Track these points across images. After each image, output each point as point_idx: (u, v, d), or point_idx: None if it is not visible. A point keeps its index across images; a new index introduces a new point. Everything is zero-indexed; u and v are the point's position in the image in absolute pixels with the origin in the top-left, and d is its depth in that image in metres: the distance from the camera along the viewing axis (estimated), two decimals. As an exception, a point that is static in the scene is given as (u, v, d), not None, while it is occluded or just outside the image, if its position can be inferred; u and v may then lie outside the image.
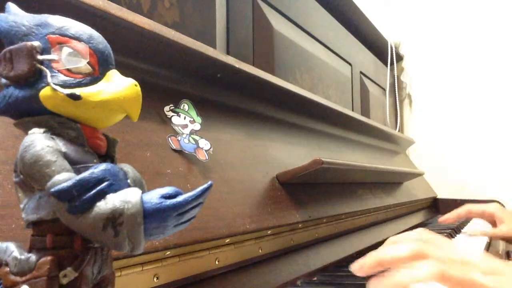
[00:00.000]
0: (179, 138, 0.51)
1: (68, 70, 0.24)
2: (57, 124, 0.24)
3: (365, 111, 1.48)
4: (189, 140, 0.52)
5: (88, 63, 0.25)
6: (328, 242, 0.77)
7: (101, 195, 0.22)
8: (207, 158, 0.53)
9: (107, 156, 0.27)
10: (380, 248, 0.50)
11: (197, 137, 0.54)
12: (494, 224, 1.06)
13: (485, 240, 1.01)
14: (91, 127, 0.26)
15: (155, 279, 0.42)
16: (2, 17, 0.25)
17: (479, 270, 0.45)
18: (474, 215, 1.14)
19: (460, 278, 0.44)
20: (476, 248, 0.93)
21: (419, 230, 0.51)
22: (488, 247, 0.98)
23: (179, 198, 0.23)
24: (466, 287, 0.43)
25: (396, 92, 1.84)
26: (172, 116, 0.53)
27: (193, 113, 0.56)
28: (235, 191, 0.55)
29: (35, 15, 0.25)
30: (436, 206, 1.73)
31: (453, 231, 1.16)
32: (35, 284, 0.22)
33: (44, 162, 0.22)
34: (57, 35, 0.24)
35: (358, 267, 0.50)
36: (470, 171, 1.75)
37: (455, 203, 1.62)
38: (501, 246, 1.05)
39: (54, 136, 0.24)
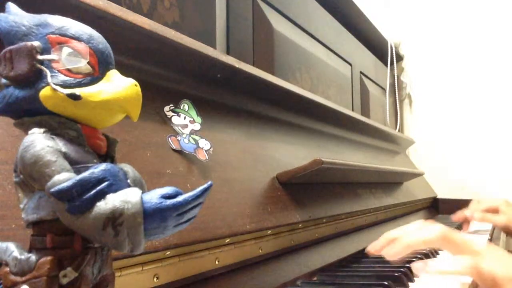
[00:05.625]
0: (179, 138, 0.51)
1: (68, 70, 0.24)
2: (57, 124, 0.24)
3: (365, 111, 1.48)
4: (189, 140, 0.52)
5: (88, 63, 0.25)
6: (328, 242, 0.77)
7: (101, 195, 0.22)
8: (207, 158, 0.53)
9: (107, 156, 0.27)
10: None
11: (197, 137, 0.54)
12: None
13: (486, 238, 1.01)
14: (91, 127, 0.26)
15: (155, 279, 0.42)
16: (2, 17, 0.25)
17: (477, 242, 0.51)
18: (481, 212, 1.14)
19: (459, 241, 0.50)
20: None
21: (419, 221, 0.57)
22: (490, 241, 0.99)
23: (179, 198, 0.23)
24: (463, 249, 0.49)
25: (396, 92, 1.84)
26: (172, 116, 0.53)
27: (193, 113, 0.56)
28: (235, 191, 0.55)
29: (35, 15, 0.25)
30: (436, 206, 1.73)
31: (455, 228, 1.16)
32: (35, 284, 0.22)
33: (44, 162, 0.22)
34: (57, 35, 0.24)
35: (372, 247, 0.55)
36: (470, 171, 1.75)
37: (455, 203, 1.62)
38: (501, 243, 1.05)
39: (54, 136, 0.24)
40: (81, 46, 0.25)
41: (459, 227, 1.19)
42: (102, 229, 0.22)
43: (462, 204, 1.38)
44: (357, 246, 0.84)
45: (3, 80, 0.24)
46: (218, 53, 0.61)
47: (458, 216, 1.16)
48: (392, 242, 0.54)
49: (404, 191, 1.29)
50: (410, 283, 0.60)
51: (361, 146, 1.23)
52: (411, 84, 1.93)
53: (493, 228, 1.01)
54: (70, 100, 0.24)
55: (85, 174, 0.22)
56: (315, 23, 1.12)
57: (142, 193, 0.23)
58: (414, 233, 0.52)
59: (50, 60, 0.24)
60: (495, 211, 1.08)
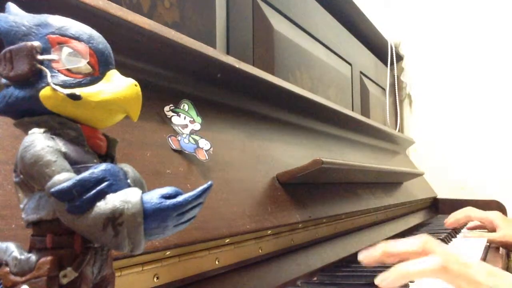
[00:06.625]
0: (179, 138, 0.51)
1: (68, 70, 0.24)
2: (57, 124, 0.24)
3: (365, 111, 1.48)
4: (189, 140, 0.52)
5: (88, 63, 0.25)
6: (328, 242, 0.77)
7: (101, 195, 0.22)
8: (207, 158, 0.53)
9: (107, 156, 0.27)
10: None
11: (197, 137, 0.54)
12: (493, 230, 1.07)
13: (485, 240, 1.01)
14: (91, 127, 0.26)
15: (155, 279, 0.42)
16: (2, 17, 0.25)
17: (478, 270, 0.47)
18: (474, 220, 1.15)
19: (460, 273, 0.47)
20: (476, 248, 0.93)
21: (421, 235, 0.53)
22: (488, 247, 0.98)
23: (179, 198, 0.23)
24: (464, 281, 0.46)
25: (396, 92, 1.84)
26: (172, 116, 0.53)
27: (193, 113, 0.56)
28: (235, 191, 0.55)
29: (35, 15, 0.25)
30: (436, 206, 1.73)
31: (452, 231, 1.17)
32: (35, 284, 0.22)
33: (44, 162, 0.22)
34: (57, 35, 0.24)
35: (365, 256, 0.52)
36: (470, 171, 1.75)
37: (455, 203, 1.63)
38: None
39: (54, 136, 0.24)
40: (81, 46, 0.25)
41: (456, 231, 1.20)
42: (102, 229, 0.22)
43: (462, 204, 1.39)
44: (357, 246, 0.84)
45: (3, 80, 0.24)
46: (218, 53, 0.61)
47: (451, 222, 1.17)
48: (387, 256, 0.52)
49: (404, 191, 1.29)
50: (410, 283, 0.60)
51: (361, 146, 1.23)
52: (411, 84, 1.93)
53: (488, 245, 1.01)
54: (70, 100, 0.24)
55: (85, 174, 0.22)
56: (315, 23, 1.12)
57: (142, 193, 0.23)
58: (412, 262, 0.48)
59: (50, 60, 0.24)
60: (489, 224, 1.09)
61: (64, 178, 0.22)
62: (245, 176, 0.59)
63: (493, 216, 1.08)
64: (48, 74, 0.24)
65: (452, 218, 1.17)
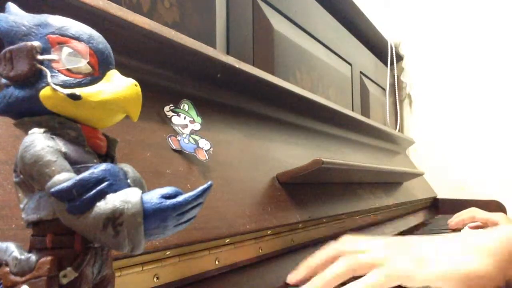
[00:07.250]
0: (179, 138, 0.51)
1: (68, 70, 0.24)
2: (57, 124, 0.24)
3: (365, 111, 1.48)
4: (189, 140, 0.52)
5: (88, 63, 0.25)
6: (328, 242, 0.77)
7: (101, 195, 0.22)
8: (207, 158, 0.53)
9: (107, 156, 0.27)
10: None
11: (197, 137, 0.54)
12: None
13: None
14: (91, 127, 0.26)
15: (155, 279, 0.42)
16: (2, 17, 0.25)
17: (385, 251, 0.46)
18: (478, 221, 1.15)
19: (366, 262, 0.45)
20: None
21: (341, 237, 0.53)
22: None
23: (179, 198, 0.23)
24: (369, 269, 0.44)
25: (396, 92, 1.84)
26: (172, 116, 0.53)
27: (193, 113, 0.56)
28: (235, 191, 0.55)
29: (35, 15, 0.25)
30: (436, 206, 1.73)
31: (453, 231, 1.17)
32: (35, 284, 0.22)
33: (44, 162, 0.22)
34: (57, 35, 0.24)
35: (292, 277, 0.50)
36: (470, 171, 1.75)
37: (455, 203, 1.62)
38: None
39: (54, 136, 0.24)
40: (81, 46, 0.25)
41: (456, 231, 1.20)
42: (102, 229, 0.22)
43: (462, 204, 1.39)
44: (357, 246, 0.83)
45: (3, 80, 0.24)
46: (218, 53, 0.61)
47: (455, 222, 1.17)
48: (309, 270, 0.49)
49: (404, 191, 1.29)
50: None
51: (361, 146, 1.23)
52: (411, 84, 1.93)
53: None
54: (70, 100, 0.24)
55: (85, 174, 0.22)
56: (315, 23, 1.12)
57: (142, 193, 0.23)
58: (325, 270, 0.46)
59: (50, 60, 0.24)
60: (493, 225, 1.09)
61: (64, 178, 0.22)
62: (245, 176, 0.59)
63: (498, 217, 1.08)
64: (48, 74, 0.24)
65: (457, 219, 1.17)
